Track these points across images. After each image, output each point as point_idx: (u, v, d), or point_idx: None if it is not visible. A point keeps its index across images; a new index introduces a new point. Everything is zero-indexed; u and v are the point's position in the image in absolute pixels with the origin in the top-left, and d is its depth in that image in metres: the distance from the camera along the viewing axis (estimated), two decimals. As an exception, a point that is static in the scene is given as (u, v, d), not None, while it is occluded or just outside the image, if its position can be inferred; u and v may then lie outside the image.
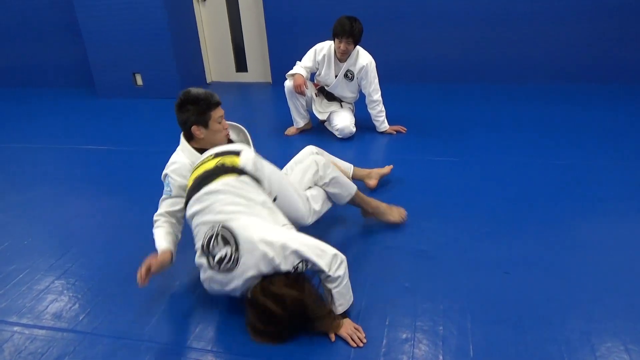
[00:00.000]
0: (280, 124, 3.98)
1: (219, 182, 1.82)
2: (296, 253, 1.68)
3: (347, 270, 1.78)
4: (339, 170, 2.32)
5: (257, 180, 1.91)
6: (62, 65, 5.74)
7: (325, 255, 1.72)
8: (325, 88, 3.71)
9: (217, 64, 5.55)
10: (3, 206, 2.97)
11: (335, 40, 3.36)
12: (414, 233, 2.39)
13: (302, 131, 3.87)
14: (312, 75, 3.73)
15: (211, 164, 1.89)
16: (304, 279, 1.73)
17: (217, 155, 1.94)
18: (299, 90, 3.52)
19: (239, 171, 1.87)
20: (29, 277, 2.23)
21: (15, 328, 1.91)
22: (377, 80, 3.55)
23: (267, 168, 1.99)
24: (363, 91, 3.63)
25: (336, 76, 3.56)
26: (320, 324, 1.72)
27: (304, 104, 3.74)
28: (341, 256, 1.77)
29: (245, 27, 5.23)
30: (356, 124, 3.68)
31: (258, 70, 5.42)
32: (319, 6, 4.76)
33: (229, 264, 1.69)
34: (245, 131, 2.41)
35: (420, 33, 4.73)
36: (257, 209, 1.81)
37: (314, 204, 2.17)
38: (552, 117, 3.81)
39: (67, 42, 5.52)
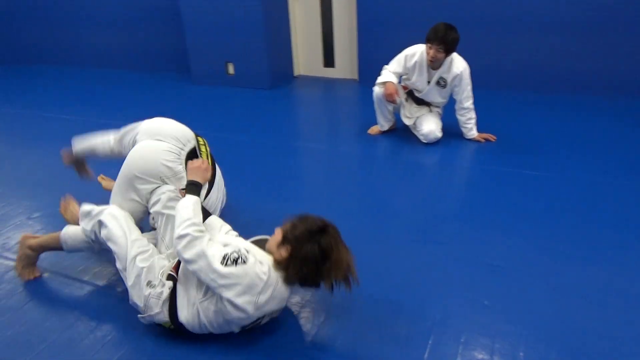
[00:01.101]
0: (364, 121, 3.96)
1: None
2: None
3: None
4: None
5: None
6: (162, 50, 6.09)
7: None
8: (416, 94, 3.62)
9: (305, 58, 5.64)
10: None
11: (427, 45, 3.28)
12: (485, 245, 2.30)
13: (385, 132, 3.84)
14: (400, 78, 3.65)
15: None
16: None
17: None
18: (390, 99, 3.43)
19: None
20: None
21: (109, 295, 2.08)
22: (470, 87, 3.42)
23: None
24: (454, 97, 3.51)
25: (429, 82, 3.46)
26: None
27: (391, 109, 3.68)
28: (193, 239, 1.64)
29: (337, 22, 5.26)
30: (443, 129, 3.59)
31: (345, 66, 5.44)
32: (414, 7, 4.66)
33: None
34: None
35: (512, 38, 4.49)
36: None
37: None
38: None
39: (168, 28, 5.84)
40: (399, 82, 3.61)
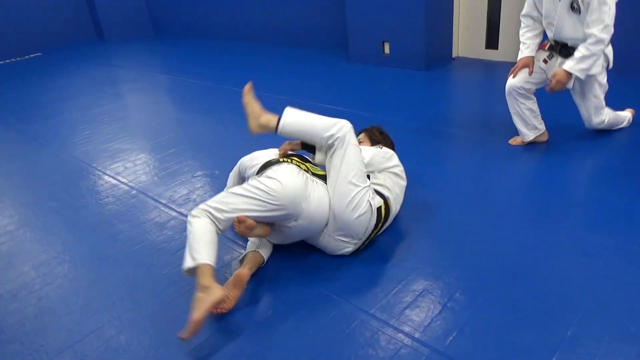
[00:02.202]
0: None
1: None
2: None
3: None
4: None
5: None
6: (324, 29, 6.32)
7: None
8: (551, 37, 2.86)
9: (466, 38, 5.34)
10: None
11: None
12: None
13: (533, 143, 3.13)
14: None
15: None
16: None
17: None
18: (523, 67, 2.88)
19: None
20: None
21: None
22: (607, 8, 2.52)
23: None
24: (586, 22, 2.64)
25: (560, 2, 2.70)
26: None
27: (533, 108, 2.99)
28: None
29: (505, 0, 4.86)
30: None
31: (510, 48, 5.02)
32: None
33: None
34: None
35: None
36: None
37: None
38: None
39: (331, 7, 6.03)
40: (543, 41, 2.98)
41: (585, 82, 2.82)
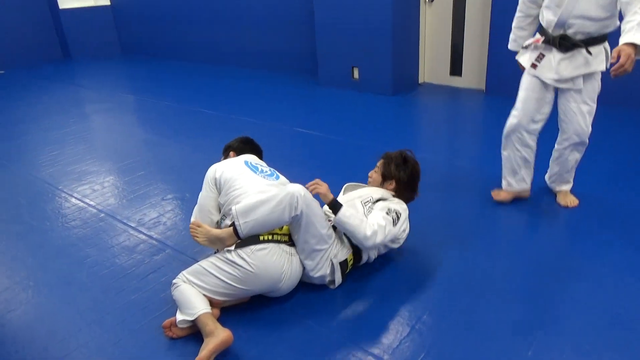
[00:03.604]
0: (488, 138, 3.79)
1: None
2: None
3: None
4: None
5: None
6: (295, 53, 6.44)
7: None
8: (551, 21, 2.36)
9: (432, 65, 5.55)
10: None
11: None
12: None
13: (517, 198, 2.84)
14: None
15: None
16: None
17: None
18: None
19: None
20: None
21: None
22: None
23: None
24: None
25: None
26: None
27: (529, 157, 2.66)
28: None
29: (468, 31, 5.09)
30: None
31: (472, 76, 5.25)
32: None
33: None
34: None
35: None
36: None
37: None
38: None
39: (302, 33, 6.16)
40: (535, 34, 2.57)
41: (588, 82, 2.43)
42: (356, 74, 5.46)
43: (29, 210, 3.13)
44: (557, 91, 2.53)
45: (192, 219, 2.20)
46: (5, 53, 8.08)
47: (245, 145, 2.55)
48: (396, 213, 2.18)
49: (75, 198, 3.26)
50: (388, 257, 2.39)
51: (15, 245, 2.74)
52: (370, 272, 2.28)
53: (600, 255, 2.31)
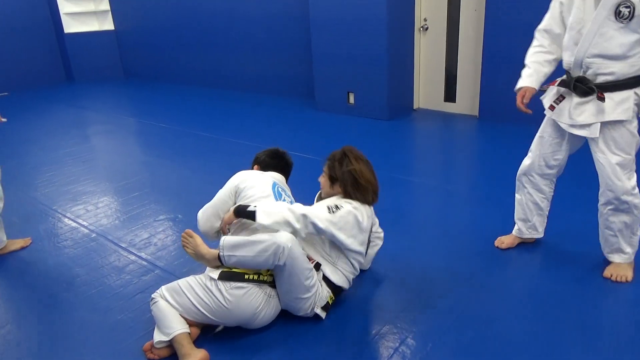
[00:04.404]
0: (482, 165, 3.81)
1: None
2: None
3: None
4: None
5: None
6: (292, 78, 6.55)
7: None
8: (569, 62, 2.13)
9: (426, 91, 5.63)
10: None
11: None
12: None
13: (522, 242, 2.62)
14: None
15: None
16: None
17: None
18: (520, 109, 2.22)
19: None
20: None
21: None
22: None
23: None
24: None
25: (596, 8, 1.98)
26: None
27: (540, 203, 2.45)
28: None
29: (462, 57, 5.19)
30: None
31: (466, 102, 5.32)
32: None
33: None
34: None
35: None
36: None
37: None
38: None
39: (299, 58, 6.28)
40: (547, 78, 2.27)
41: (614, 130, 2.09)
42: (352, 99, 5.54)
43: (21, 230, 3.16)
44: (583, 139, 2.24)
45: (199, 214, 2.24)
46: (11, 75, 8.23)
47: (271, 160, 2.44)
48: (336, 206, 2.06)
49: (68, 218, 3.29)
50: (376, 279, 2.41)
51: (4, 265, 2.76)
52: (355, 295, 2.29)
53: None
